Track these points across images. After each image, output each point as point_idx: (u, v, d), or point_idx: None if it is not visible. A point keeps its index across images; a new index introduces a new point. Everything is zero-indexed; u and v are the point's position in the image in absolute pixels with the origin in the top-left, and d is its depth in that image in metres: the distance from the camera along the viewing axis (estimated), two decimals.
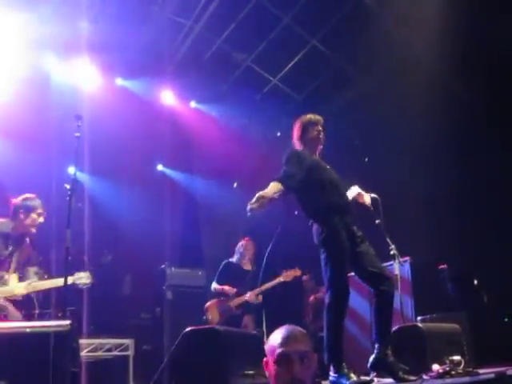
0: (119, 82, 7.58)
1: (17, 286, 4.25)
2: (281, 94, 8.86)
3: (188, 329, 3.03)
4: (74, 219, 4.05)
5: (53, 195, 5.88)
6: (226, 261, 6.05)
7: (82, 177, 6.70)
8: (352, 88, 8.46)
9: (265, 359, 2.04)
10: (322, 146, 4.32)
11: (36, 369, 2.46)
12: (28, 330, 2.47)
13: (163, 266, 6.36)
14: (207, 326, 3.17)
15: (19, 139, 6.48)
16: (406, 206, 6.86)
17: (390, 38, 6.93)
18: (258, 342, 3.33)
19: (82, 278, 4.36)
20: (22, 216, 4.33)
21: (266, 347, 2.05)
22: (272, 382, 2.00)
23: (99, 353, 5.38)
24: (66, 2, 6.46)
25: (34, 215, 4.35)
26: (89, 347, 5.25)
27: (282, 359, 1.95)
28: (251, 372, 3.02)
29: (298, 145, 4.17)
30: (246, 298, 5.82)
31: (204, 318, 5.64)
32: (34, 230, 4.39)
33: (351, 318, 5.94)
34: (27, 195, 4.46)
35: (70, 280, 4.21)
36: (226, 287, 5.84)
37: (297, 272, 6.14)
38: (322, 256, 3.70)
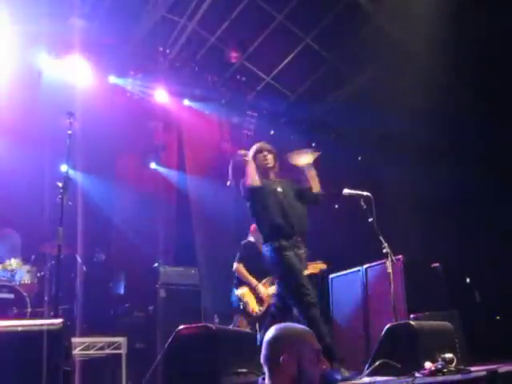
0: (112, 79, 7.54)
1: None
2: (274, 92, 8.86)
3: (180, 327, 3.02)
4: (67, 217, 4.04)
5: (45, 193, 5.85)
6: (245, 241, 5.82)
7: (75, 175, 6.67)
8: (346, 86, 8.47)
9: (285, 356, 1.97)
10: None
11: (28, 368, 2.44)
12: (20, 328, 2.45)
13: (156, 265, 6.34)
14: (199, 325, 3.17)
15: (11, 137, 6.44)
16: (399, 205, 6.89)
17: (383, 35, 6.94)
18: (252, 341, 3.34)
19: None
20: None
21: (291, 344, 2.00)
22: (290, 378, 1.97)
23: (92, 351, 5.37)
24: None
25: None
26: (81, 346, 5.23)
27: (318, 353, 2.00)
28: (244, 370, 3.02)
29: None
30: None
31: (240, 305, 5.34)
32: None
33: (345, 320, 5.96)
34: None
35: None
36: (251, 278, 5.45)
37: (322, 265, 5.86)
38: None
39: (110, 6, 6.84)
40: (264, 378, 2.05)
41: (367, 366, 3.79)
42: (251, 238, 5.80)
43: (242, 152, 4.53)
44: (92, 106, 6.61)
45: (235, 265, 5.55)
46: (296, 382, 1.95)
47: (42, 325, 2.57)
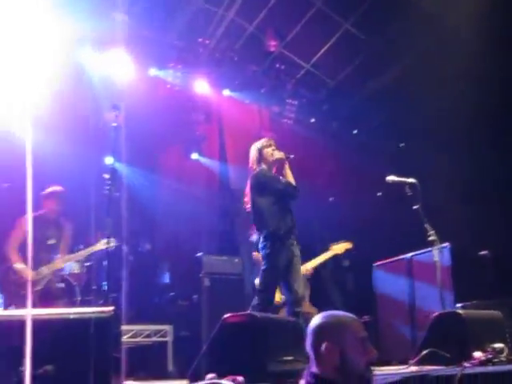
0: (153, 72, 7.62)
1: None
2: (314, 79, 8.77)
3: (226, 315, 3.06)
4: (113, 208, 4.13)
5: (91, 185, 6.01)
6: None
7: (119, 167, 6.81)
8: (387, 72, 8.31)
9: (327, 344, 1.95)
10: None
11: (80, 354, 2.52)
12: (72, 316, 2.53)
13: (200, 254, 6.41)
14: (245, 312, 3.20)
15: (57, 132, 6.61)
16: (445, 191, 6.73)
17: (425, 19, 6.76)
18: (297, 328, 3.34)
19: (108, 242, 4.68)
20: (45, 204, 5.02)
21: (333, 331, 1.99)
22: (334, 367, 1.95)
23: (139, 338, 5.50)
24: None
25: (50, 201, 5.05)
26: (129, 333, 5.36)
27: (364, 341, 1.97)
28: (290, 358, 3.03)
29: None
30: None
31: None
32: (53, 216, 5.07)
33: (391, 310, 5.90)
34: (53, 187, 5.12)
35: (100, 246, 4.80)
36: None
37: (347, 245, 5.74)
38: None
39: None
40: (310, 366, 2.04)
41: (414, 355, 3.75)
42: None
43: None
44: (134, 98, 6.71)
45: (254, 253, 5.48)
46: (339, 371, 1.93)
47: (93, 312, 2.65)
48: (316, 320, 2.06)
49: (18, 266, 4.75)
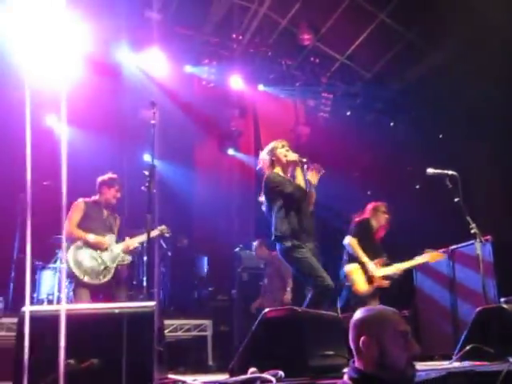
0: (188, 69, 7.70)
1: (115, 247, 4.85)
2: (349, 72, 8.69)
3: (266, 310, 3.06)
4: (152, 205, 4.18)
5: (124, 181, 6.11)
6: (362, 218, 5.43)
7: (157, 163, 6.90)
8: (423, 62, 8.15)
9: (364, 338, 1.95)
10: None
11: (125, 348, 2.56)
12: (117, 310, 2.58)
13: (238, 249, 6.45)
14: (286, 307, 3.20)
15: (94, 129, 6.76)
16: (487, 183, 6.56)
17: (462, 6, 6.59)
18: (338, 323, 3.33)
19: (163, 230, 5.02)
20: (103, 190, 4.95)
21: (371, 326, 1.98)
22: (373, 361, 1.94)
23: (180, 333, 5.57)
24: None
25: (113, 190, 4.97)
26: (170, 327, 5.44)
27: (404, 336, 1.94)
28: (330, 353, 3.01)
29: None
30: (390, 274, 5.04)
31: (347, 284, 5.05)
32: (113, 202, 5.00)
33: (431, 304, 5.80)
34: (110, 174, 5.06)
35: (156, 232, 4.90)
36: (363, 254, 5.06)
37: (441, 256, 5.34)
38: None
39: None
40: (354, 361, 2.04)
41: (457, 350, 3.68)
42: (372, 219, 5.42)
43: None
44: (170, 95, 6.79)
45: (349, 239, 5.21)
46: (380, 366, 1.91)
47: (137, 307, 2.70)
48: (357, 314, 2.06)
49: (91, 236, 4.70)
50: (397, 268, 5.03)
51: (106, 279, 4.64)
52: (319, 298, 3.96)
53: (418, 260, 5.21)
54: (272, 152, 4.52)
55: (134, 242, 4.90)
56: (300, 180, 4.40)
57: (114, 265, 4.74)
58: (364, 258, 5.04)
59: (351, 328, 2.05)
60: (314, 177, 4.48)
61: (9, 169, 5.32)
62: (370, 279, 5.00)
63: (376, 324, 1.96)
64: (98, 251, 4.71)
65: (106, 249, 4.74)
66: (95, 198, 4.95)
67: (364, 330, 1.97)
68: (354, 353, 2.03)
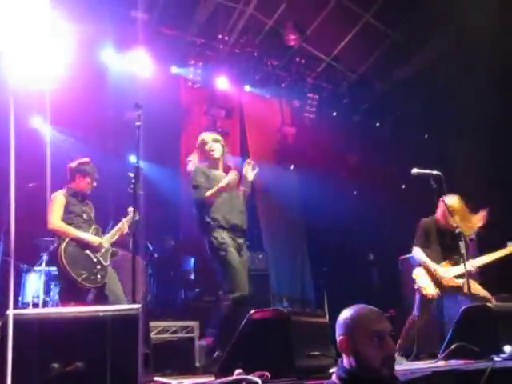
0: (174, 69, 7.67)
1: (104, 242, 4.59)
2: (335, 73, 8.72)
3: (252, 311, 3.06)
4: (136, 206, 4.15)
5: (110, 183, 6.07)
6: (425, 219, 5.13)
7: (143, 165, 6.86)
8: (409, 62, 8.22)
9: (341, 338, 1.99)
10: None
11: (109, 351, 2.54)
12: (101, 313, 2.56)
13: None
14: (271, 308, 3.20)
15: (78, 129, 6.71)
16: (474, 183, 6.62)
17: (447, 6, 6.64)
18: (324, 323, 3.34)
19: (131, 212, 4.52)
20: (77, 179, 4.65)
21: (346, 325, 2.00)
22: (352, 361, 1.96)
23: (166, 335, 5.53)
24: None
25: (88, 179, 4.67)
26: (156, 329, 5.40)
27: (378, 336, 1.94)
28: (317, 353, 3.02)
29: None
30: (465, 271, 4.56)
31: (416, 286, 4.87)
32: (88, 192, 4.73)
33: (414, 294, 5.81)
34: (81, 160, 4.75)
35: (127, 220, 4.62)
36: (429, 261, 4.81)
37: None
38: None
39: None
40: (342, 361, 2.05)
41: (442, 349, 3.70)
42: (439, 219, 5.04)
43: None
44: (155, 96, 6.75)
45: (417, 252, 4.95)
46: (357, 365, 1.94)
47: (121, 310, 2.68)
48: (341, 313, 2.07)
49: (85, 234, 4.41)
50: (472, 264, 4.67)
51: (103, 281, 4.37)
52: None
53: (502, 252, 4.84)
54: (201, 143, 4.52)
55: (116, 234, 4.64)
56: (220, 178, 4.38)
57: (108, 263, 4.49)
58: (429, 265, 4.85)
59: (336, 326, 2.06)
60: (248, 173, 4.53)
61: None
62: (438, 282, 4.80)
63: (350, 324, 1.98)
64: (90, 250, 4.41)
65: (99, 248, 4.46)
66: (70, 187, 4.62)
67: (342, 330, 2.00)
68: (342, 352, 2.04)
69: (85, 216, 4.59)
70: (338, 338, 2.00)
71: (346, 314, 2.04)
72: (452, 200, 4.77)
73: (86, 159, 4.79)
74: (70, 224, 4.44)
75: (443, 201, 4.71)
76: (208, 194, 4.31)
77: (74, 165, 4.70)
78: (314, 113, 8.66)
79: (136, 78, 7.09)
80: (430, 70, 7.51)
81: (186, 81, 7.80)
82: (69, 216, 4.46)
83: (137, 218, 4.03)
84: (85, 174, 4.66)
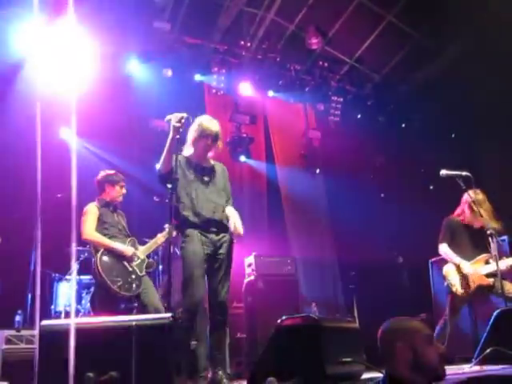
0: (197, 77, 7.73)
1: (140, 253, 4.70)
2: (359, 74, 8.67)
3: (283, 317, 3.06)
4: (165, 214, 4.18)
5: (135, 189, 6.14)
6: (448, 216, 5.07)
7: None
8: (433, 62, 8.11)
9: (399, 345, 2.16)
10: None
11: (142, 360, 2.58)
12: (134, 323, 2.60)
13: (252, 256, 6.42)
14: (302, 315, 3.20)
15: (105, 139, 6.82)
16: (501, 182, 6.49)
17: (471, 5, 6.54)
18: (356, 331, 3.32)
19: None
20: (107, 189, 4.78)
21: (402, 334, 2.20)
22: (407, 366, 2.15)
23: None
24: (142, 4, 6.68)
25: (117, 187, 4.78)
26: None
27: (430, 339, 2.19)
28: (348, 359, 3.00)
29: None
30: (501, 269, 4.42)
31: (446, 284, 4.82)
32: (119, 199, 4.83)
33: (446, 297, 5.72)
34: (107, 171, 4.90)
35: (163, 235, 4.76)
36: (454, 256, 4.76)
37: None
38: None
39: (189, 5, 6.99)
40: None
41: (476, 353, 3.64)
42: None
43: None
44: (180, 105, 6.80)
45: (443, 248, 4.90)
46: (414, 368, 2.14)
47: (153, 319, 2.72)
48: (385, 326, 2.28)
49: (118, 245, 4.51)
50: (506, 263, 4.55)
51: (138, 290, 4.43)
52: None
53: None
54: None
55: (152, 246, 4.78)
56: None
57: (143, 273, 4.57)
58: (455, 261, 4.79)
59: (381, 337, 2.27)
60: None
61: (24, 182, 5.35)
62: (466, 280, 4.71)
63: (407, 331, 2.21)
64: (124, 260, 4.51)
65: (133, 258, 4.56)
66: (101, 198, 4.74)
67: (397, 338, 2.19)
68: (386, 359, 2.23)
69: (119, 226, 4.70)
70: (394, 345, 2.17)
71: (393, 324, 2.27)
72: (475, 193, 4.70)
73: (112, 171, 4.93)
74: (104, 235, 4.57)
75: (468, 194, 4.64)
76: None
77: (100, 177, 4.83)
78: (338, 116, 8.62)
79: (160, 87, 7.18)
80: (455, 70, 7.39)
81: (210, 88, 7.85)
82: (103, 226, 4.59)
83: (174, 234, 4.09)
84: (113, 182, 4.79)
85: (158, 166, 3.97)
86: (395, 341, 2.19)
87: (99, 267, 4.34)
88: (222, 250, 3.94)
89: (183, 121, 3.71)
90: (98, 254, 4.41)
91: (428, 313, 6.16)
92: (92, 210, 4.61)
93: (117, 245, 4.52)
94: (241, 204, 7.71)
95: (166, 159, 3.81)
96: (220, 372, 3.66)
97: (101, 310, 4.40)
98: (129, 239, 4.70)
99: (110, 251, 4.48)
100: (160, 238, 4.81)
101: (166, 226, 4.64)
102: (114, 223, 4.69)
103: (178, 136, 3.72)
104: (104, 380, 2.48)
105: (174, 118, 3.71)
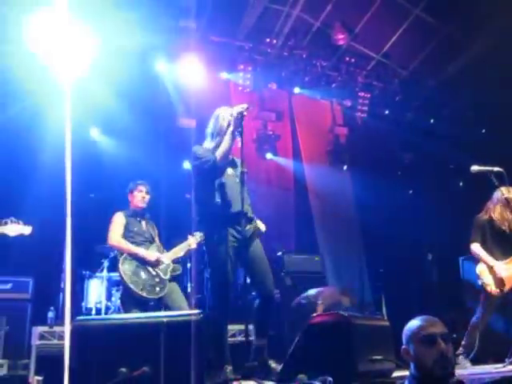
0: (224, 75, 7.77)
1: (165, 258, 4.77)
2: (386, 70, 8.58)
3: (313, 315, 3.06)
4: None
5: (162, 188, 6.19)
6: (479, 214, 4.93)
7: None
8: (461, 56, 7.96)
9: (403, 347, 2.17)
10: None
11: (173, 356, 2.60)
12: (165, 319, 2.63)
13: (281, 253, 6.44)
14: (333, 312, 3.18)
15: (134, 138, 6.89)
16: None
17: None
18: (384, 328, 3.29)
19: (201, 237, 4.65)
20: (130, 198, 4.93)
21: (405, 335, 2.19)
22: (412, 367, 2.14)
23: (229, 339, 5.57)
24: (168, 3, 6.72)
25: (136, 193, 4.89)
26: None
27: (429, 339, 2.08)
28: (379, 357, 2.98)
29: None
30: None
31: (480, 283, 4.65)
32: (143, 205, 4.91)
33: (478, 296, 5.62)
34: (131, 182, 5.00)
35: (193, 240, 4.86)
36: (487, 257, 4.62)
37: None
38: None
39: (214, 3, 7.02)
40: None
41: (510, 353, 3.57)
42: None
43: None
44: (207, 103, 6.84)
45: (474, 247, 4.76)
46: (421, 368, 2.08)
47: (182, 315, 2.74)
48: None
49: (141, 250, 4.62)
50: None
51: (162, 293, 4.50)
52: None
53: None
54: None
55: (180, 251, 4.85)
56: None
57: (168, 276, 4.65)
58: (487, 261, 4.64)
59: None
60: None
61: (59, 180, 5.45)
62: (499, 280, 4.57)
63: (406, 333, 2.18)
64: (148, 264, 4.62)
65: (157, 263, 4.64)
66: (129, 208, 4.90)
67: (403, 340, 2.19)
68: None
69: (146, 235, 4.82)
70: (402, 348, 2.19)
71: (406, 325, 2.23)
72: (508, 190, 4.58)
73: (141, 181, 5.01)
74: (130, 242, 4.68)
75: (500, 190, 4.52)
76: None
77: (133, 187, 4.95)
78: (365, 112, 8.55)
79: (188, 85, 7.23)
80: (483, 63, 7.25)
81: (236, 86, 7.87)
82: (129, 234, 4.74)
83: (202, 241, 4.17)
84: (131, 190, 4.91)
85: (206, 157, 3.82)
86: (403, 342, 2.20)
87: (121, 271, 4.49)
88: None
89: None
90: (121, 259, 4.56)
91: (458, 311, 6.07)
92: (117, 219, 4.78)
93: (139, 250, 4.64)
94: (267, 201, 7.72)
95: (227, 151, 3.80)
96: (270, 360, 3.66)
97: (129, 307, 4.50)
98: (153, 245, 4.81)
99: (133, 256, 4.60)
100: (192, 243, 4.88)
101: (197, 233, 4.81)
102: (141, 232, 4.81)
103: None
104: (137, 375, 2.52)
105: (244, 110, 3.73)
